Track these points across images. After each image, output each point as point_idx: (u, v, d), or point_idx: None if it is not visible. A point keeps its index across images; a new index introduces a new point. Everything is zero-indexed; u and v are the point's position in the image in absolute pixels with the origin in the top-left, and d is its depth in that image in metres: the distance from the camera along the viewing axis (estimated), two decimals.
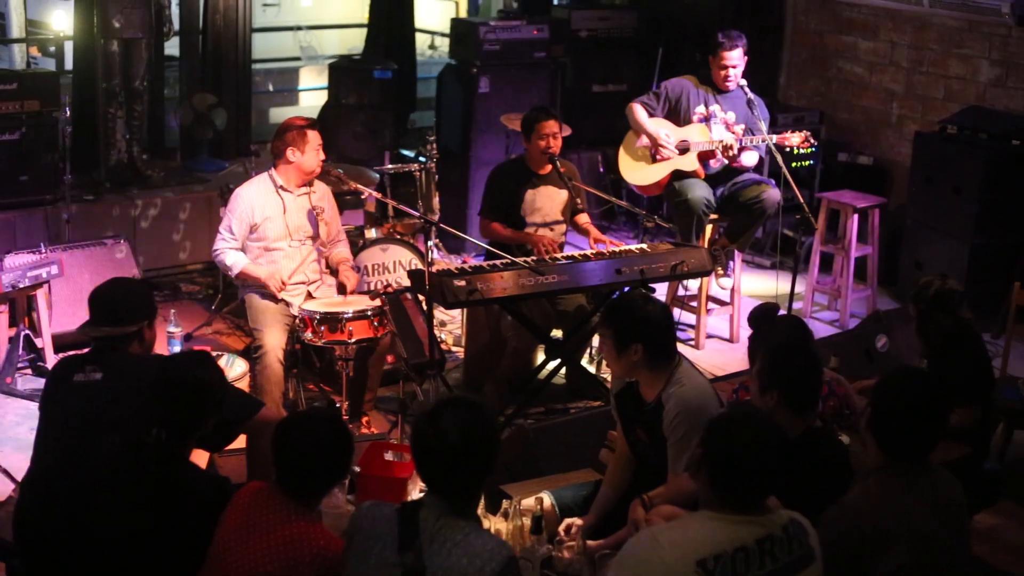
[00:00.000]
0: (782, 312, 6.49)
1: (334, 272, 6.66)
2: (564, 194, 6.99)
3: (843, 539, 3.48)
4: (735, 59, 7.42)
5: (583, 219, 7.17)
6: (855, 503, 3.65)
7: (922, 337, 5.58)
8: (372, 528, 3.39)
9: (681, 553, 3.15)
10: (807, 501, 3.68)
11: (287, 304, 6.33)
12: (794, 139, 7.39)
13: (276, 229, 6.41)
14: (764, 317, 4.96)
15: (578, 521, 4.45)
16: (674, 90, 7.60)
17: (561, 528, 4.39)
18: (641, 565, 3.19)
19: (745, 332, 7.80)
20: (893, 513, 3.59)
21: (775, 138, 7.33)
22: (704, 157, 7.47)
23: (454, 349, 7.58)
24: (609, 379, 6.20)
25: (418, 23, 11.42)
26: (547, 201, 6.99)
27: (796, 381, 4.13)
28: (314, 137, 6.43)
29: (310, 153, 6.41)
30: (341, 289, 6.52)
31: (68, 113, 8.17)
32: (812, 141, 7.51)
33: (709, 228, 7.60)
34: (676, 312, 7.47)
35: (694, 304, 7.82)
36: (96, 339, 4.50)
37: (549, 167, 6.89)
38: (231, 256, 6.40)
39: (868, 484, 3.71)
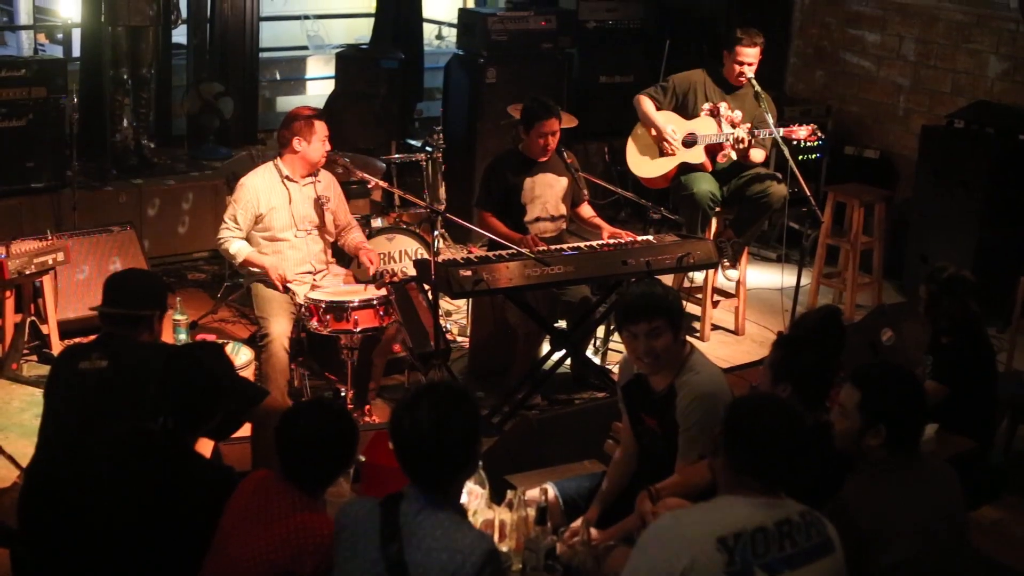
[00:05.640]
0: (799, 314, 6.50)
1: (346, 261, 6.66)
2: (564, 181, 6.93)
3: (841, 536, 3.44)
4: (752, 57, 7.37)
5: (587, 212, 7.11)
6: (851, 500, 3.64)
7: (929, 320, 5.64)
8: (355, 525, 3.36)
9: (702, 530, 3.17)
10: (813, 493, 3.67)
11: (292, 293, 6.33)
12: (801, 132, 7.36)
13: (282, 219, 6.42)
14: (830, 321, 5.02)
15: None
16: (681, 85, 7.56)
17: (567, 535, 4.38)
18: (663, 543, 3.19)
19: (750, 325, 7.90)
20: (890, 508, 3.59)
21: (782, 131, 7.30)
22: (711, 151, 7.46)
23: (459, 339, 7.57)
24: (615, 370, 6.21)
25: (425, 13, 11.40)
26: (546, 188, 6.91)
27: (808, 375, 4.13)
28: (320, 128, 6.43)
29: (316, 143, 6.41)
30: (363, 276, 6.56)
31: (75, 100, 8.18)
32: (819, 134, 7.48)
33: (715, 221, 7.60)
34: None
35: (699, 296, 7.82)
36: (107, 319, 4.52)
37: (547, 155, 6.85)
38: (235, 244, 6.40)
39: (862, 480, 3.71)
